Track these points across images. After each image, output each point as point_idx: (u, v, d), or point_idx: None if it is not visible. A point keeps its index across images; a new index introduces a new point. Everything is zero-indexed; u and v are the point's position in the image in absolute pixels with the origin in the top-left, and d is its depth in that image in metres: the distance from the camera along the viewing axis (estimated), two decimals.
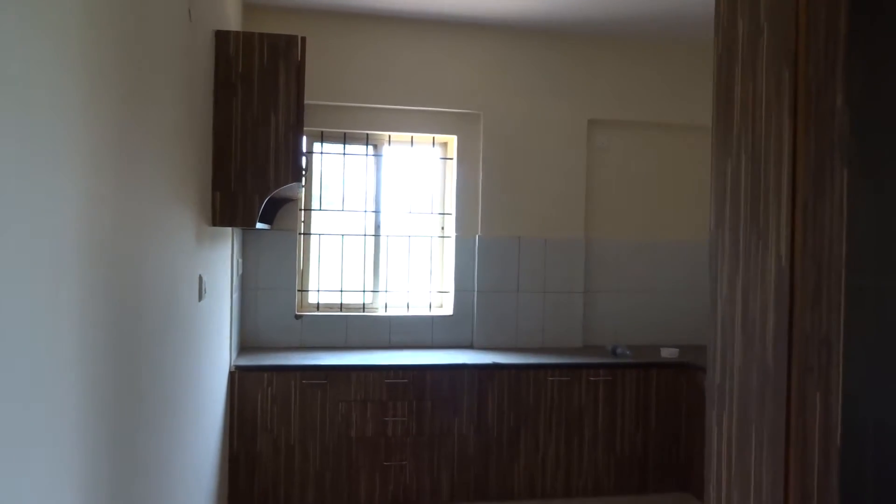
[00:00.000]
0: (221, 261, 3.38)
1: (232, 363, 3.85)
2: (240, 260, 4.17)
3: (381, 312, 4.69)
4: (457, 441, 4.06)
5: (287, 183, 2.91)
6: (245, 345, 4.40)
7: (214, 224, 2.89)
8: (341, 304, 4.66)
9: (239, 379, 3.84)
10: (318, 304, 4.64)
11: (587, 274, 4.81)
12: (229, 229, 3.64)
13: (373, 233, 4.72)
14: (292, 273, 4.48)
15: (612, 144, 4.88)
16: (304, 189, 4.52)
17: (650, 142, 4.92)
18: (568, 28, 4.58)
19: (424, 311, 4.74)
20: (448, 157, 4.80)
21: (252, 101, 2.87)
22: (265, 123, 2.88)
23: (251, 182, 2.89)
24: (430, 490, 4.04)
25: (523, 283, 4.69)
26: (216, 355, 3.28)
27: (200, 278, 2.64)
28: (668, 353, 4.40)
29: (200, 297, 2.66)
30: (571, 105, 4.73)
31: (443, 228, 4.81)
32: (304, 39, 2.94)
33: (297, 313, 4.50)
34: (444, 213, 4.81)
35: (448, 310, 4.73)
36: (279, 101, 2.89)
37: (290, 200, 4.38)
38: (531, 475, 4.14)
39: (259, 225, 3.24)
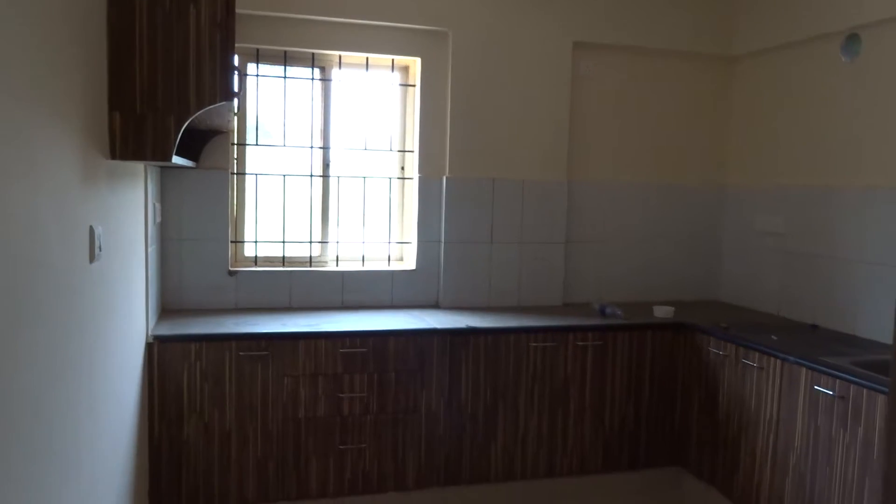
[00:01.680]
0: (129, 206, 2.62)
1: (149, 333, 3.13)
2: (157, 205, 3.40)
3: (331, 267, 3.99)
4: (425, 419, 3.45)
5: (214, 102, 2.17)
6: (168, 307, 3.65)
7: (114, 157, 2.14)
8: (284, 257, 3.94)
9: (159, 352, 3.12)
10: (255, 257, 3.91)
11: (569, 222, 4.20)
12: (140, 166, 2.87)
13: (321, 173, 3.98)
14: (224, 221, 3.73)
15: (601, 72, 4.22)
16: (236, 118, 3.74)
17: (645, 70, 4.28)
18: None
19: (382, 266, 4.07)
20: (410, 83, 4.06)
21: None
22: (181, 19, 2.11)
23: (164, 100, 2.14)
24: (394, 476, 3.44)
25: (497, 233, 4.05)
26: (124, 325, 2.56)
27: (92, 231, 1.90)
28: (662, 313, 3.86)
29: (93, 257, 1.93)
30: (555, 24, 4.03)
31: (403, 169, 4.11)
32: None
33: (230, 269, 3.76)
34: (404, 151, 4.10)
35: (410, 264, 4.07)
36: None
37: (220, 133, 3.60)
38: (510, 455, 3.58)
39: (179, 160, 2.49)
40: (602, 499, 3.69)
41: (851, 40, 3.57)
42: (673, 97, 4.35)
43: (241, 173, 3.86)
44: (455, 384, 3.47)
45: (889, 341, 3.27)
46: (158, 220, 3.47)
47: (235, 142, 3.81)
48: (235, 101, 2.93)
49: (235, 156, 3.84)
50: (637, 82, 4.28)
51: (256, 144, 3.86)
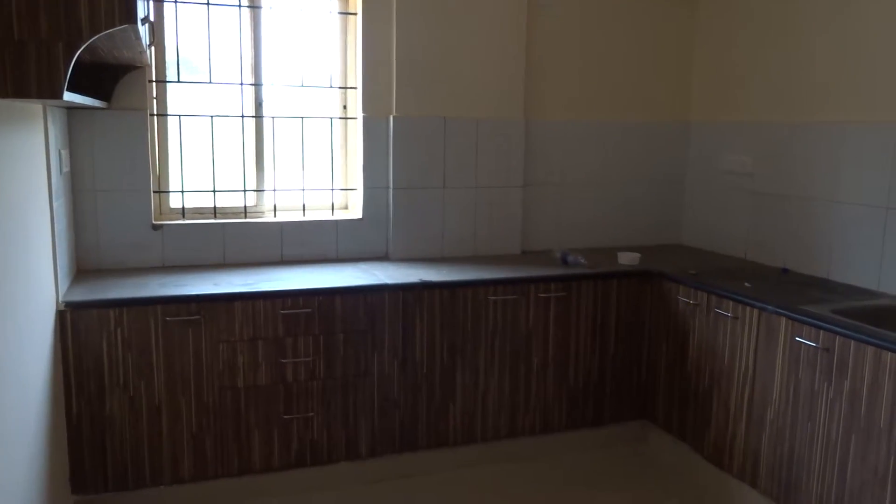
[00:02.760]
0: (22, 154, 2.20)
1: (60, 299, 2.73)
2: (63, 152, 2.95)
3: (268, 218, 3.61)
4: (377, 382, 3.17)
5: (113, 26, 1.76)
6: (84, 268, 3.24)
7: None
8: (215, 208, 3.54)
9: (73, 320, 2.74)
10: (182, 209, 3.50)
11: (527, 164, 3.89)
12: (35, 107, 2.43)
13: (253, 113, 3.56)
14: (145, 168, 3.30)
15: (559, 2, 3.86)
16: (153, 51, 3.28)
17: (605, 2, 3.94)
18: None
19: (326, 215, 3.71)
20: (350, 11, 3.64)
21: None
22: None
23: (50, 24, 1.73)
24: (346, 444, 3.16)
25: (450, 177, 3.73)
26: (23, 291, 2.18)
27: None
28: (627, 260, 3.63)
29: None
30: None
31: (345, 108, 3.72)
32: None
33: (154, 222, 3.35)
34: (346, 88, 3.70)
35: (356, 212, 3.72)
36: None
37: (134, 68, 3.15)
38: (470, 417, 3.34)
39: (77, 98, 2.08)
40: (566, 457, 3.50)
41: None
42: (635, 30, 4.04)
43: (163, 115, 3.41)
44: (409, 343, 3.19)
45: (867, 286, 3.12)
46: (66, 169, 3.03)
47: (154, 79, 3.36)
48: (146, 28, 2.49)
49: (155, 95, 3.38)
50: (597, 15, 3.94)
51: (178, 81, 3.41)
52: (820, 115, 3.38)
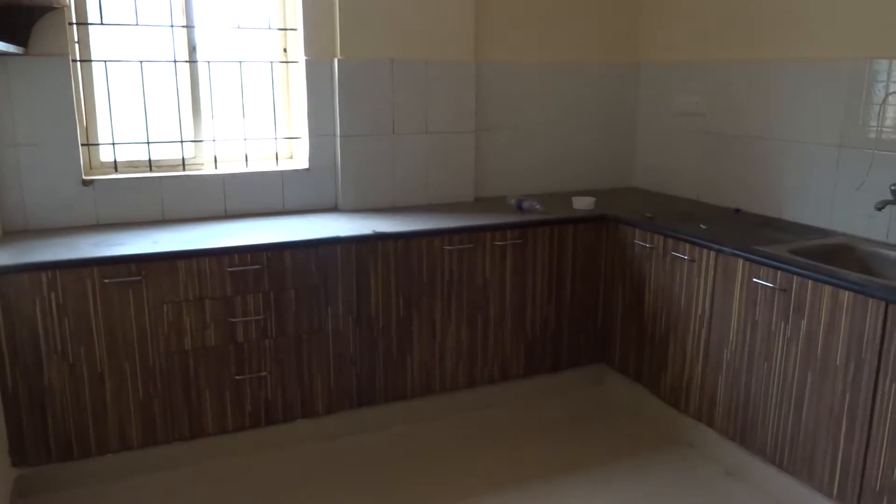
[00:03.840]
0: None
1: None
2: None
3: (209, 170, 3.42)
4: (332, 338, 3.07)
5: None
6: (9, 229, 3.02)
7: None
8: (150, 161, 3.33)
9: (1, 286, 2.54)
10: (115, 162, 3.28)
11: (479, 107, 3.77)
12: None
13: (186, 58, 3.33)
14: (70, 120, 3.06)
15: None
16: None
17: None
18: None
19: (270, 166, 3.53)
20: None
21: None
22: None
23: None
24: (302, 402, 3.08)
25: (400, 123, 3.58)
26: None
27: None
28: (582, 204, 3.57)
29: None
30: None
31: (286, 51, 3.51)
32: None
33: (84, 178, 3.13)
34: (286, 29, 3.49)
35: (302, 162, 3.55)
36: None
37: (51, 9, 2.88)
38: (427, 369, 3.29)
39: None
40: (524, 404, 3.49)
41: None
42: None
43: (87, 60, 3.16)
44: (363, 297, 3.09)
45: (820, 224, 3.14)
46: None
47: (74, 21, 3.09)
48: None
49: (77, 39, 3.12)
50: None
51: (101, 24, 3.15)
52: (772, 53, 3.34)
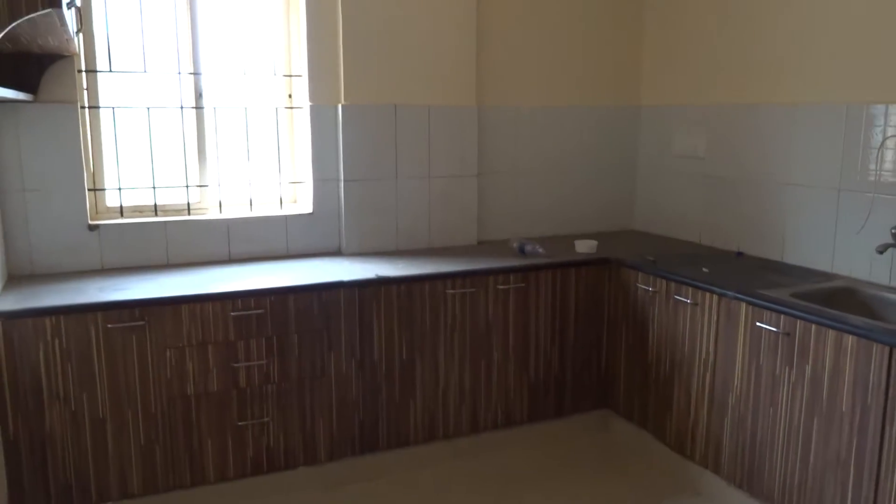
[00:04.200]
0: None
1: None
2: None
3: (214, 215, 3.45)
4: (335, 383, 3.06)
5: (34, 10, 1.60)
6: (15, 274, 3.03)
7: None
8: (155, 205, 3.36)
9: (5, 331, 2.55)
10: (120, 207, 3.31)
11: (481, 152, 3.81)
12: None
13: (193, 104, 3.38)
14: (77, 165, 3.09)
15: None
16: (81, 39, 3.08)
17: None
18: None
19: (274, 210, 3.56)
20: None
21: None
22: None
23: None
24: (304, 449, 3.05)
25: (403, 167, 3.62)
26: None
27: None
28: (585, 248, 3.59)
29: None
30: None
31: (290, 97, 3.57)
32: None
33: (90, 223, 3.16)
34: (291, 76, 3.55)
35: (306, 206, 3.58)
36: None
37: (62, 57, 2.94)
38: (431, 414, 3.26)
39: (3, 91, 1.90)
40: (528, 450, 3.45)
41: None
42: (585, 14, 3.98)
43: (95, 107, 3.21)
44: (366, 341, 3.08)
45: (821, 268, 3.14)
46: None
47: (83, 68, 3.15)
48: (72, 14, 2.31)
49: (86, 86, 3.17)
50: None
51: (110, 71, 3.21)
52: (770, 97, 3.39)
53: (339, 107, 3.47)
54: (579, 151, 4.09)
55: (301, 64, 3.48)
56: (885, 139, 2.87)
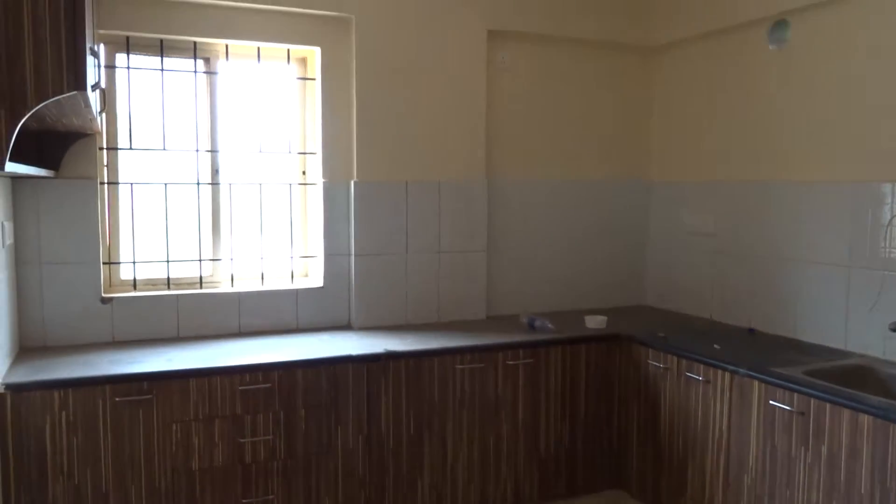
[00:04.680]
0: None
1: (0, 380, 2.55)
2: (7, 224, 2.81)
3: (225, 288, 3.48)
4: (342, 459, 3.01)
5: (60, 93, 1.67)
6: (28, 346, 3.06)
7: None
8: (168, 279, 3.40)
9: (13, 404, 2.55)
10: (134, 280, 3.35)
11: (490, 226, 3.85)
12: None
13: (209, 180, 3.46)
14: (94, 239, 3.16)
15: (518, 63, 3.89)
16: (104, 118, 3.19)
17: (564, 61, 3.99)
18: None
19: (285, 284, 3.59)
20: (309, 76, 3.60)
21: None
22: None
23: None
24: None
25: (413, 242, 3.66)
26: None
27: None
28: (595, 323, 3.57)
29: None
30: (468, 10, 3.67)
31: (304, 173, 3.65)
32: None
33: (103, 295, 3.20)
34: (305, 153, 3.64)
35: (317, 280, 3.61)
36: None
37: (85, 135, 3.04)
38: (438, 491, 3.20)
39: (21, 168, 1.97)
40: None
41: (779, 27, 3.39)
42: (594, 89, 4.08)
43: (114, 183, 3.29)
44: (374, 417, 3.05)
45: (835, 345, 3.11)
46: (10, 241, 2.88)
47: (105, 146, 3.25)
48: (96, 95, 2.41)
49: (106, 162, 3.27)
50: (557, 74, 3.98)
51: (130, 149, 3.31)
52: (778, 174, 3.42)
53: (352, 183, 3.54)
54: (589, 225, 4.13)
55: (315, 142, 3.58)
56: (893, 217, 2.88)
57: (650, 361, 3.28)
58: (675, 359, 3.13)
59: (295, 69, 3.59)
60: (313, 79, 3.57)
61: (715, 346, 3.12)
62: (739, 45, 3.61)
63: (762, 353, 3.03)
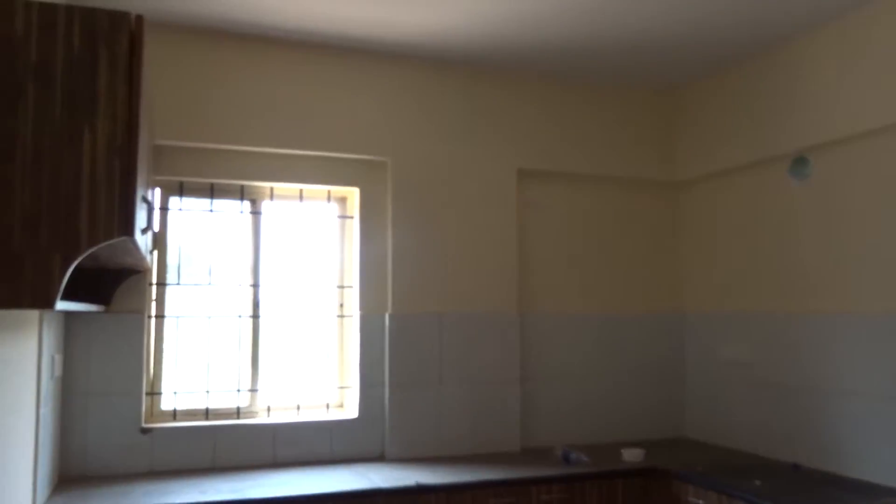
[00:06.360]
0: (10, 360, 2.20)
1: None
2: (57, 357, 2.95)
3: (261, 419, 3.54)
4: None
5: (111, 238, 1.83)
6: (66, 475, 3.12)
7: None
8: (207, 409, 3.48)
9: None
10: (174, 411, 3.44)
11: (524, 357, 3.88)
12: (32, 313, 2.47)
13: (251, 313, 3.61)
14: (137, 371, 3.28)
15: (548, 200, 4.05)
16: (155, 256, 3.40)
17: (592, 197, 4.15)
18: (493, 59, 3.78)
19: (321, 415, 3.63)
20: (348, 215, 3.81)
21: (52, 108, 1.79)
22: (73, 142, 1.81)
23: (49, 235, 1.79)
24: None
25: (447, 373, 3.69)
26: None
27: None
28: (631, 456, 3.49)
29: None
30: (498, 151, 3.89)
31: (342, 306, 3.77)
32: (140, 18, 1.92)
33: (143, 426, 3.28)
34: (343, 287, 3.78)
35: (352, 411, 3.65)
36: (98, 108, 1.83)
37: (136, 272, 3.23)
38: None
39: (69, 305, 2.11)
40: None
41: (800, 163, 3.49)
42: (623, 224, 4.20)
43: (161, 316, 3.46)
44: None
45: (885, 482, 2.98)
46: (58, 373, 3.02)
47: (154, 281, 3.44)
48: (148, 237, 2.60)
49: (154, 297, 3.45)
50: (586, 210, 4.12)
51: (178, 284, 3.49)
52: (814, 305, 3.40)
53: (387, 316, 3.64)
54: (624, 357, 4.12)
55: (353, 276, 3.72)
56: None
57: (690, 499, 3.17)
58: (716, 495, 3.03)
59: (335, 208, 3.81)
60: (352, 217, 3.77)
61: (756, 482, 3.01)
62: (763, 180, 3.71)
63: (808, 491, 2.91)
